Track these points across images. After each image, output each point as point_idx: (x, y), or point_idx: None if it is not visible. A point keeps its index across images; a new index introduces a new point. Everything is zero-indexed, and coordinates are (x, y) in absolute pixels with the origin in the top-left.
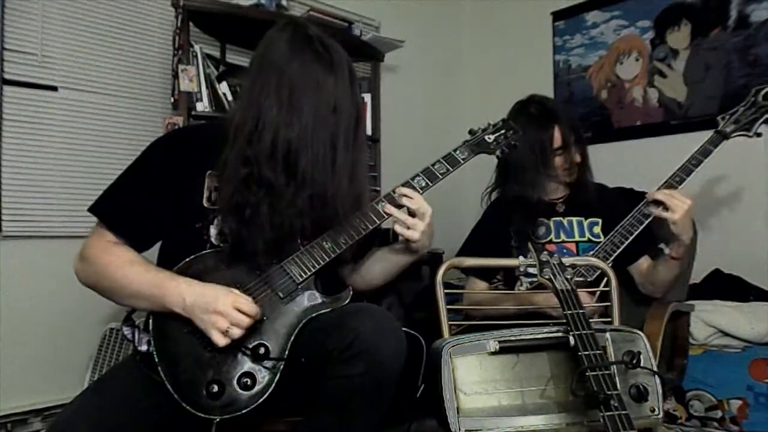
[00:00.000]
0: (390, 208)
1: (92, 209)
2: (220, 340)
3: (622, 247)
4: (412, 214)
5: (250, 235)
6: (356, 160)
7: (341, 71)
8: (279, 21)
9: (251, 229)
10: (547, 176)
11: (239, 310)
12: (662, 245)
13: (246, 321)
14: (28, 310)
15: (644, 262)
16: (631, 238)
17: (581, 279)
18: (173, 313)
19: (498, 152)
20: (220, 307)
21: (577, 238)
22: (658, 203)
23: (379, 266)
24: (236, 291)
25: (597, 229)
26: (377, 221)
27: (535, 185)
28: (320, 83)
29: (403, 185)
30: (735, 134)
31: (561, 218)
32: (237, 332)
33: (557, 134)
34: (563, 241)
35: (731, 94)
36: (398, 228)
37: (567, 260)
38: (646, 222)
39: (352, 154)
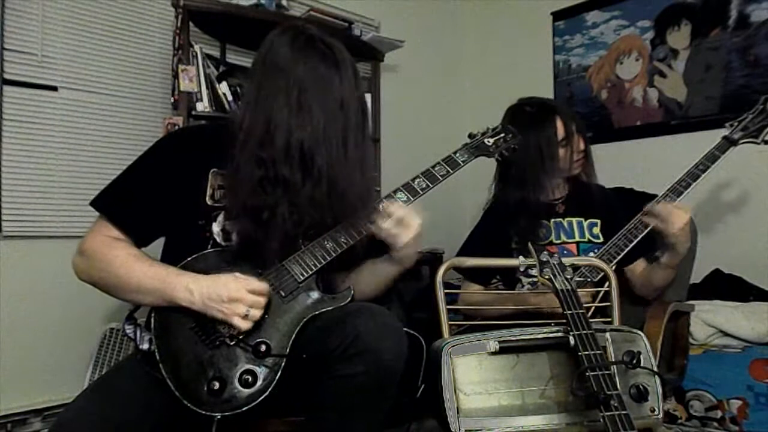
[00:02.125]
0: (380, 221)
1: (94, 203)
2: (244, 325)
3: (626, 250)
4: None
5: (267, 236)
6: (365, 154)
7: (345, 68)
8: (279, 25)
9: (268, 231)
10: (554, 172)
11: (251, 292)
12: (658, 252)
13: (262, 300)
14: (28, 310)
15: (640, 264)
16: (635, 241)
17: (581, 279)
18: (176, 309)
19: (497, 155)
20: (233, 294)
21: (577, 239)
22: (655, 215)
23: (368, 277)
24: (239, 275)
25: (596, 230)
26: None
27: (539, 185)
28: (327, 81)
29: (403, 186)
30: (743, 141)
31: (561, 219)
32: (257, 313)
33: (559, 125)
34: (564, 242)
35: (731, 94)
36: (384, 232)
37: (567, 260)
38: (648, 228)
39: (361, 147)
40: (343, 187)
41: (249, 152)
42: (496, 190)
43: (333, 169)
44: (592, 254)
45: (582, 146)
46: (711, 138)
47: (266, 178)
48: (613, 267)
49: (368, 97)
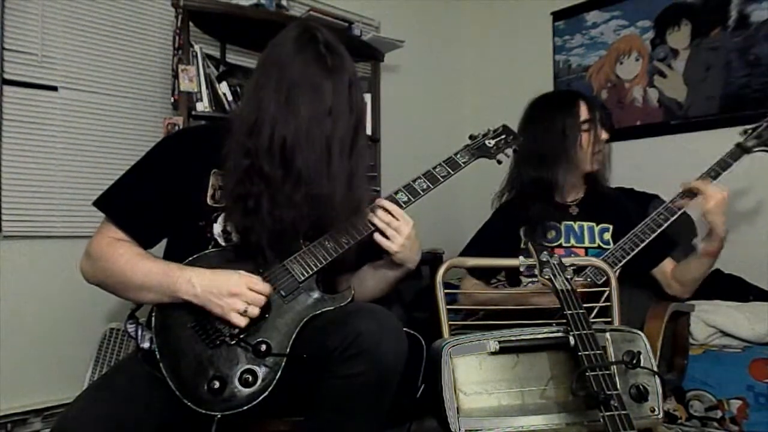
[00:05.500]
0: (374, 218)
1: (97, 203)
2: (241, 321)
3: (632, 254)
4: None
5: (253, 227)
6: (355, 167)
7: (340, 77)
8: (285, 25)
9: (254, 221)
10: (574, 156)
11: (252, 290)
12: (696, 241)
13: (261, 299)
14: (28, 310)
15: (668, 264)
16: (642, 245)
17: (581, 280)
18: (178, 308)
19: (498, 157)
20: (233, 289)
21: (587, 244)
22: (692, 194)
23: (370, 280)
24: (244, 272)
25: (607, 236)
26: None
27: (557, 167)
28: (317, 85)
29: (404, 187)
30: (756, 149)
31: (572, 222)
32: (255, 311)
33: (582, 107)
34: (573, 246)
35: (731, 94)
36: (378, 237)
37: (567, 260)
38: (672, 219)
39: (349, 160)
40: (323, 196)
41: (239, 141)
42: (511, 181)
43: (312, 174)
44: (600, 258)
45: (605, 136)
46: (711, 138)
47: (252, 168)
48: (617, 270)
49: (368, 97)
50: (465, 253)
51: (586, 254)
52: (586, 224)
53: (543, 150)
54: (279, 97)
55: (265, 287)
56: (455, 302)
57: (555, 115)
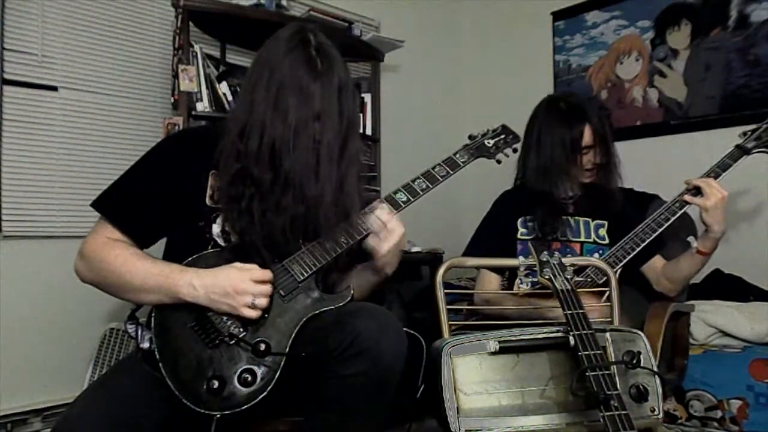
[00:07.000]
0: (373, 218)
1: (95, 204)
2: (252, 314)
3: (633, 253)
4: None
5: (248, 228)
6: (345, 173)
7: (328, 81)
8: (283, 26)
9: (248, 223)
10: (569, 174)
11: (255, 281)
12: (690, 238)
13: (267, 288)
14: (28, 310)
15: (658, 261)
16: (642, 245)
17: (581, 280)
18: (177, 308)
19: (497, 157)
20: (238, 285)
21: (582, 239)
22: (696, 191)
23: (354, 282)
24: (240, 264)
25: (602, 231)
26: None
27: (560, 182)
28: (304, 88)
29: (403, 187)
30: (755, 151)
31: (569, 217)
32: (264, 301)
33: (587, 132)
34: (568, 240)
35: (731, 94)
36: (370, 237)
37: (567, 260)
38: (673, 219)
39: (339, 165)
40: (311, 200)
41: (231, 142)
42: (519, 174)
43: (300, 177)
44: (596, 255)
45: (598, 160)
46: (711, 138)
47: (243, 171)
48: (619, 270)
49: (368, 97)
50: (467, 251)
51: (582, 249)
52: (581, 219)
53: (544, 162)
54: (268, 98)
55: (266, 273)
56: (455, 302)
57: (558, 131)
